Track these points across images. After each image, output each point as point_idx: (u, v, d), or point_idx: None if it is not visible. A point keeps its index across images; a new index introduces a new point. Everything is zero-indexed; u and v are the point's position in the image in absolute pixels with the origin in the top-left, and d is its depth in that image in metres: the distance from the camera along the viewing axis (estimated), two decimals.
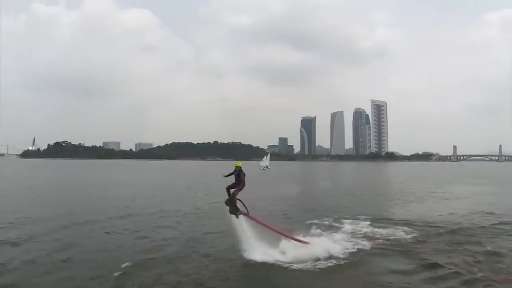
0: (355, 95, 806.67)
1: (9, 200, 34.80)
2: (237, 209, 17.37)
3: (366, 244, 18.39)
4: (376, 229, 21.73)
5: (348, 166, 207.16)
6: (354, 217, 25.41)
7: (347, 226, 22.60)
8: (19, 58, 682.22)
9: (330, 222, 23.85)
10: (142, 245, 18.33)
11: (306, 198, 40.30)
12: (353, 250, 17.36)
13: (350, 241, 18.90)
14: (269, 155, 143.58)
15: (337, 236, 19.82)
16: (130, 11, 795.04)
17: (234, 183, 17.87)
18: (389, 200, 37.55)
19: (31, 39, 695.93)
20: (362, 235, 20.30)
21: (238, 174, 17.84)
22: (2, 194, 39.51)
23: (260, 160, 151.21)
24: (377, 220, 24.51)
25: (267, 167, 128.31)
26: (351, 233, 20.77)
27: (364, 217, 25.55)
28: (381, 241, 19.22)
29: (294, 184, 65.01)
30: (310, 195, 43.59)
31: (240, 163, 18.21)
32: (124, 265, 14.63)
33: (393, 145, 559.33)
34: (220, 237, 19.96)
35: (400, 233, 20.84)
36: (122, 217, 26.07)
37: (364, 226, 22.61)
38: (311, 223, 23.03)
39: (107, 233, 21.08)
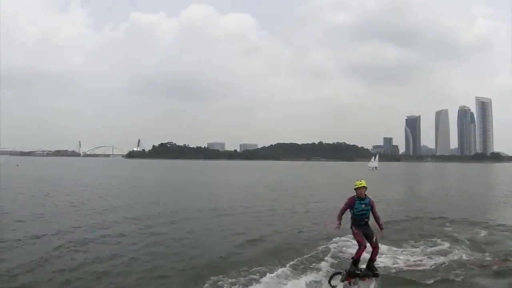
0: (459, 92, 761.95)
1: (114, 196, 36.76)
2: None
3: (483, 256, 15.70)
4: (492, 237, 19.58)
5: (452, 167, 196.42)
6: (467, 222, 23.72)
7: (460, 231, 20.63)
8: (123, 64, 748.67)
9: (439, 226, 22.18)
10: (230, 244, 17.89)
11: (413, 199, 39.14)
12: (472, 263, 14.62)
13: (466, 252, 16.25)
14: (377, 156, 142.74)
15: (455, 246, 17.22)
16: (229, 16, 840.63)
17: (364, 225, 11.57)
18: (500, 203, 35.07)
19: (133, 46, 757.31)
20: (477, 244, 17.69)
21: (370, 205, 11.54)
22: (111, 192, 41.57)
23: (365, 161, 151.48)
24: (491, 226, 22.34)
25: (375, 167, 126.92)
26: (464, 241, 18.27)
27: (475, 221, 23.75)
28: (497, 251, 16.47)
29: (401, 184, 63.85)
30: (417, 196, 42.06)
31: (363, 182, 11.53)
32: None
33: (498, 145, 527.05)
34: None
35: None
36: (227, 214, 26.80)
37: (479, 234, 20.28)
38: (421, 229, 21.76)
39: (207, 229, 21.59)
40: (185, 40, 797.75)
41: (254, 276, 12.91)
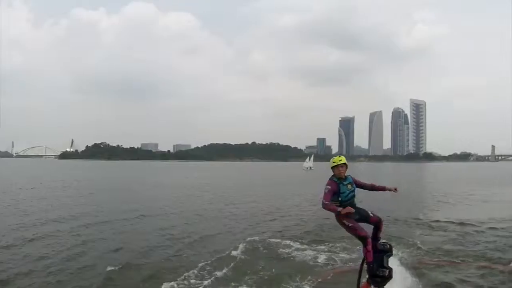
0: (396, 94, 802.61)
1: (39, 200, 34.73)
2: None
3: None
4: (428, 236, 19.76)
5: (387, 167, 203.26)
6: (402, 221, 23.98)
7: (397, 230, 20.72)
8: (61, 61, 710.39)
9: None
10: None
11: None
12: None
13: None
14: (312, 156, 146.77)
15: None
16: (170, 15, 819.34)
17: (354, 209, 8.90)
18: (425, 202, 36.04)
19: (73, 44, 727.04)
20: (414, 243, 17.69)
21: (354, 182, 9.26)
22: (34, 195, 39.44)
23: (298, 161, 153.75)
24: (427, 224, 22.93)
25: (310, 168, 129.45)
26: (401, 240, 18.26)
27: (411, 220, 24.29)
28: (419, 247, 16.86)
29: None
30: None
31: (343, 157, 9.22)
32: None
33: (431, 145, 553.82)
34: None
35: (436, 238, 19.19)
36: (145, 216, 25.89)
37: (415, 232, 20.56)
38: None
39: (130, 232, 21.03)
40: (125, 38, 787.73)
41: (166, 277, 12.75)
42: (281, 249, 16.67)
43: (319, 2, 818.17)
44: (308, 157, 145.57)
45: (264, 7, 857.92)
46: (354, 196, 9.18)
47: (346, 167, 9.14)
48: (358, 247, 16.28)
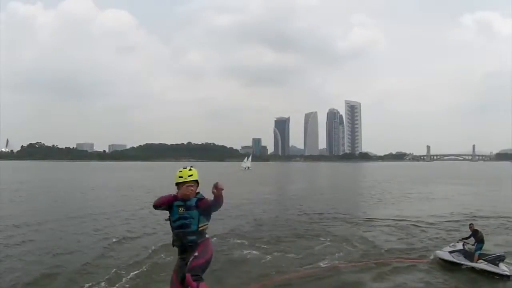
0: (332, 96, 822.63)
1: None
2: None
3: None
4: (370, 233, 19.99)
5: (324, 167, 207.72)
6: (342, 219, 24.31)
7: (339, 228, 21.12)
8: None
9: (315, 224, 22.55)
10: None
11: (295, 198, 39.01)
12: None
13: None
14: (250, 157, 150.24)
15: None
16: (107, 12, 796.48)
17: (186, 251, 6.63)
18: (365, 201, 36.27)
19: (9, 39, 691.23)
20: (358, 240, 18.07)
21: (199, 206, 6.51)
22: None
23: (235, 161, 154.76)
24: (355, 221, 23.57)
25: (248, 167, 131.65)
26: (344, 238, 18.50)
27: (351, 218, 24.62)
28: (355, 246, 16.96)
29: (279, 184, 66.58)
30: (290, 196, 41.95)
31: (195, 171, 6.65)
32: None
33: (366, 146, 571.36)
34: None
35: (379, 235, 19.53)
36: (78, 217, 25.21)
37: (357, 232, 20.63)
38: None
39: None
40: (61, 35, 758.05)
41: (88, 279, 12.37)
42: (219, 249, 15.94)
43: (256, 3, 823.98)
44: (246, 157, 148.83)
45: (201, 7, 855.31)
46: (189, 225, 6.54)
47: (197, 185, 6.71)
48: (309, 250, 16.52)
